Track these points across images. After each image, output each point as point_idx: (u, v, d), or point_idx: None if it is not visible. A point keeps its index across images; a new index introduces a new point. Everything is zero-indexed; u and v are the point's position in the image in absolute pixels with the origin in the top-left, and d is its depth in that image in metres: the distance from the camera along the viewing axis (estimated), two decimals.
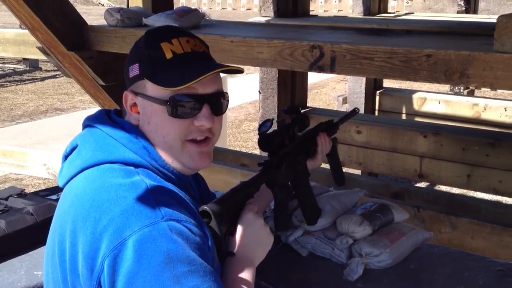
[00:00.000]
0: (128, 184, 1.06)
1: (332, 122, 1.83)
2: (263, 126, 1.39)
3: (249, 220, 1.21)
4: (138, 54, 1.20)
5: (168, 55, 1.16)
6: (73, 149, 1.20)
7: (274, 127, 1.49)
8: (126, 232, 0.98)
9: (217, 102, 1.21)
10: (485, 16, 6.14)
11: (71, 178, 1.15)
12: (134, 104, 1.20)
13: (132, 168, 1.11)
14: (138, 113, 1.20)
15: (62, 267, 1.07)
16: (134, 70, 1.19)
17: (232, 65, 1.23)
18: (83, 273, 1.01)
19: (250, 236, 1.20)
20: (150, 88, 1.17)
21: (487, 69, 1.68)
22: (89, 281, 1.00)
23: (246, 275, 1.15)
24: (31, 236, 1.84)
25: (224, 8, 30.38)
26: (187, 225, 1.03)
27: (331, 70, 2.04)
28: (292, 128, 1.55)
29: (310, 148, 1.69)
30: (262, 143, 1.44)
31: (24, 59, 11.61)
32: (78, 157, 1.16)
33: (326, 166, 1.94)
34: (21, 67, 12.03)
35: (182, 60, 1.17)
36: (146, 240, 0.97)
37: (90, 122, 1.22)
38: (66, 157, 1.22)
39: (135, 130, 1.19)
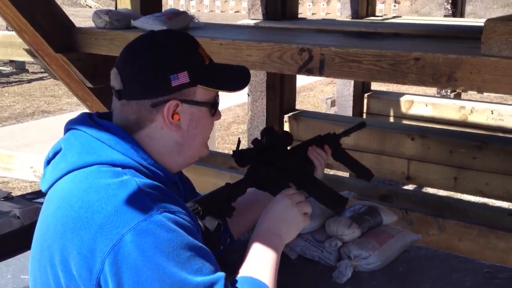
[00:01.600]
0: (117, 183, 1.06)
1: (329, 135, 1.76)
2: (236, 149, 1.44)
3: (279, 199, 1.32)
4: (180, 61, 1.18)
5: (206, 61, 1.23)
6: (56, 153, 1.19)
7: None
8: (123, 229, 0.99)
9: None
10: (472, 19, 6.19)
11: (55, 181, 1.14)
12: (175, 113, 1.19)
13: (119, 169, 1.11)
14: (179, 120, 1.19)
15: (53, 270, 1.07)
16: (181, 78, 1.17)
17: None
18: (81, 274, 1.01)
19: (276, 212, 1.29)
20: (201, 93, 1.21)
21: (475, 72, 1.70)
22: (88, 281, 1.00)
23: (271, 245, 1.23)
24: (18, 239, 1.82)
25: (212, 11, 30.40)
26: (180, 216, 1.07)
27: (320, 73, 2.05)
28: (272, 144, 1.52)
29: (303, 165, 1.65)
30: (237, 160, 1.45)
31: (11, 61, 11.51)
32: (62, 161, 1.15)
33: None
34: (7, 69, 11.92)
35: (214, 65, 1.25)
36: (145, 234, 0.99)
37: (73, 126, 1.20)
38: (48, 161, 1.20)
39: (121, 132, 1.17)
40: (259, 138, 1.52)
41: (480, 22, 4.18)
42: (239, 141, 1.44)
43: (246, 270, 1.18)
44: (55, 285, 1.07)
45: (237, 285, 1.13)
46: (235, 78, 1.29)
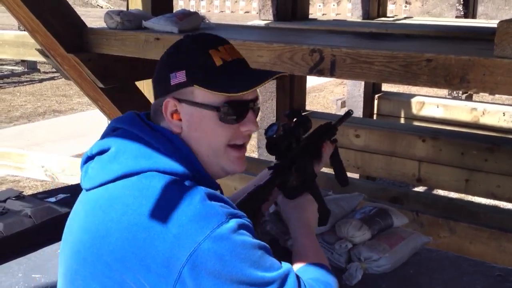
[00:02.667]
0: (185, 192, 1.07)
1: (331, 124, 1.80)
2: (270, 130, 1.40)
3: (312, 200, 1.48)
4: (182, 61, 1.19)
5: (218, 62, 1.18)
6: (101, 151, 1.17)
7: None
8: (199, 237, 1.01)
9: (257, 107, 1.25)
10: (484, 20, 6.15)
11: (106, 183, 1.12)
12: (176, 111, 1.18)
13: (177, 178, 1.11)
14: (180, 120, 1.18)
15: (118, 276, 1.05)
16: (178, 77, 1.17)
17: (278, 71, 1.32)
18: (155, 283, 1.01)
19: (313, 211, 1.47)
20: (200, 94, 1.16)
21: (487, 74, 1.68)
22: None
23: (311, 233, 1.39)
24: (29, 238, 1.84)
25: (222, 11, 30.47)
26: (245, 219, 1.12)
27: (331, 74, 2.04)
28: (297, 131, 1.54)
29: (315, 152, 1.66)
30: (270, 147, 1.44)
31: (22, 60, 11.61)
32: (115, 162, 1.13)
33: (324, 170, 1.93)
34: (19, 68, 12.02)
35: (232, 67, 1.19)
36: (221, 240, 1.02)
37: (124, 126, 1.20)
38: (89, 158, 1.19)
39: (177, 139, 1.18)
40: (286, 120, 1.53)
41: (492, 23, 4.16)
42: (275, 125, 1.40)
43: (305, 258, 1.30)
44: (109, 279, 1.05)
45: (304, 270, 1.24)
46: (243, 82, 1.17)
